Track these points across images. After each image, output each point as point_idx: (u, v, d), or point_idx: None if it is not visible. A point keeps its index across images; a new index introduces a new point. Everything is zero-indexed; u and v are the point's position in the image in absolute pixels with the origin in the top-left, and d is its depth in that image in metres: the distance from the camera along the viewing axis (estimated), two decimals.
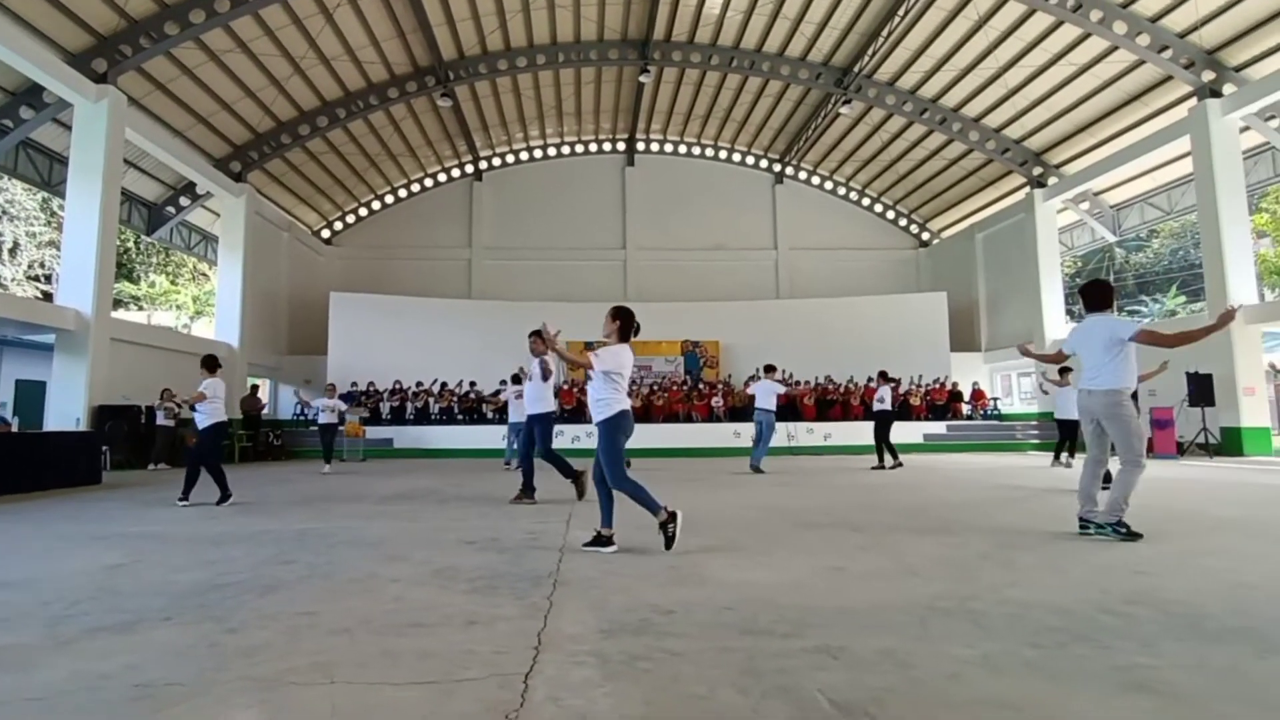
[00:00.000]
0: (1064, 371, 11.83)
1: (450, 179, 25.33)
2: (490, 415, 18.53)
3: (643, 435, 16.87)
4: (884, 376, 12.71)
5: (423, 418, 18.57)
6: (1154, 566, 3.87)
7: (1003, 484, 9.09)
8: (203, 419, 7.45)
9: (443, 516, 6.37)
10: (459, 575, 3.84)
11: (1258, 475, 10.13)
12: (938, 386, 20.67)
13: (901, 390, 19.81)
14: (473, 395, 18.97)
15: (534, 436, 7.42)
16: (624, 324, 4.69)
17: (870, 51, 18.49)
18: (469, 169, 25.27)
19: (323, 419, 12.67)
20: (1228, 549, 4.40)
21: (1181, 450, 15.07)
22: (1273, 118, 15.05)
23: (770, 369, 12.46)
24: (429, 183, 25.33)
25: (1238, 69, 14.65)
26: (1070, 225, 22.64)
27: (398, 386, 19.07)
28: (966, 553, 4.33)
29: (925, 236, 26.72)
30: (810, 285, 25.50)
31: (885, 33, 17.61)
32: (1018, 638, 2.64)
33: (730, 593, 3.37)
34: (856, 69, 19.39)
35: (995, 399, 22.22)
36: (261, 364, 20.34)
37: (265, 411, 19.59)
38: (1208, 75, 14.84)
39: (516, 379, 14.07)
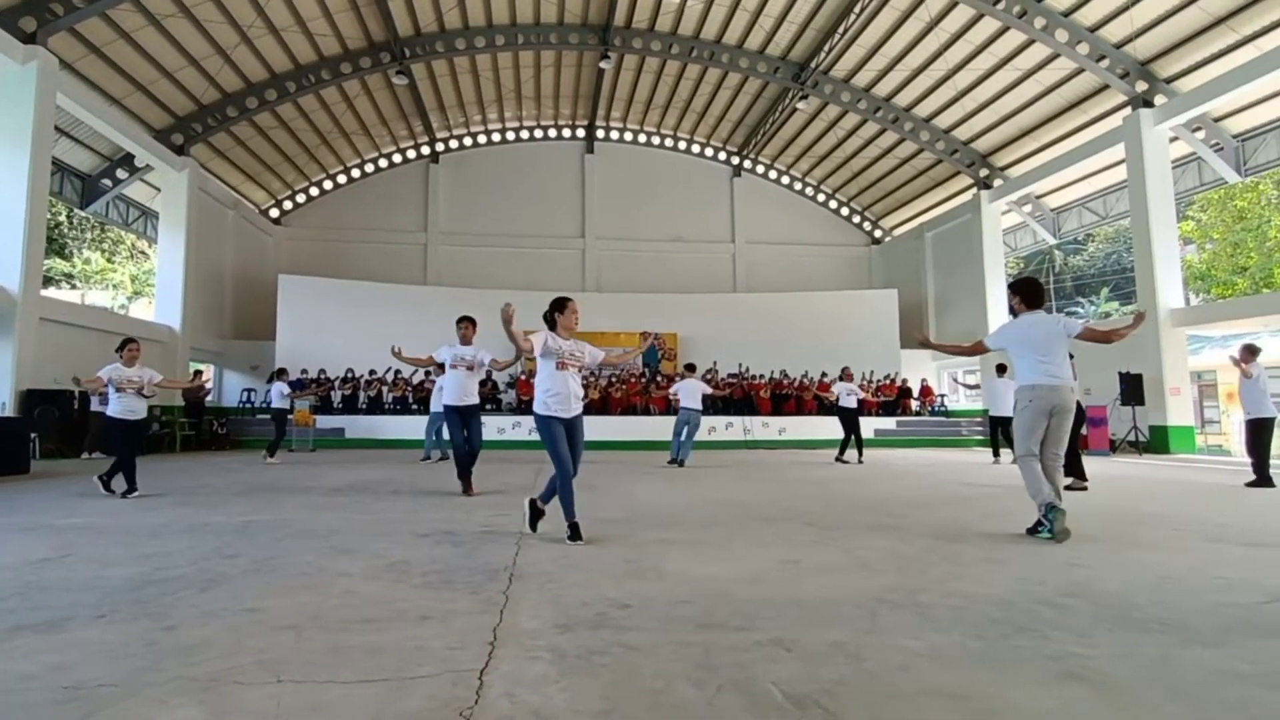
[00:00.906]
0: (1001, 369, 12.31)
1: (406, 160, 24.74)
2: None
3: (601, 428, 17.00)
4: (847, 375, 13.09)
5: (376, 407, 18.15)
6: (1089, 560, 4.04)
7: (950, 480, 9.36)
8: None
9: (396, 508, 6.24)
10: (412, 569, 3.77)
11: (1182, 472, 10.71)
12: (888, 382, 21.16)
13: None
14: (428, 385, 18.58)
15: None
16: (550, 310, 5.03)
17: (827, 48, 18.72)
18: (425, 150, 24.72)
19: (277, 403, 12.20)
20: (1156, 543, 4.62)
21: (1114, 447, 15.80)
22: (1199, 129, 15.83)
23: (691, 368, 12.85)
24: (383, 163, 24.69)
25: (1168, 80, 15.33)
26: (1014, 227, 23.44)
27: (350, 375, 18.59)
28: (914, 547, 4.44)
29: (877, 234, 27.27)
30: (766, 279, 25.78)
31: (841, 29, 17.86)
32: (962, 630, 2.72)
33: (687, 586, 3.39)
34: (814, 64, 19.62)
35: (942, 395, 22.89)
36: (204, 348, 19.58)
37: (210, 398, 18.90)
38: (1141, 85, 15.49)
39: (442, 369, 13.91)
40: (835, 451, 12.82)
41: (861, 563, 3.97)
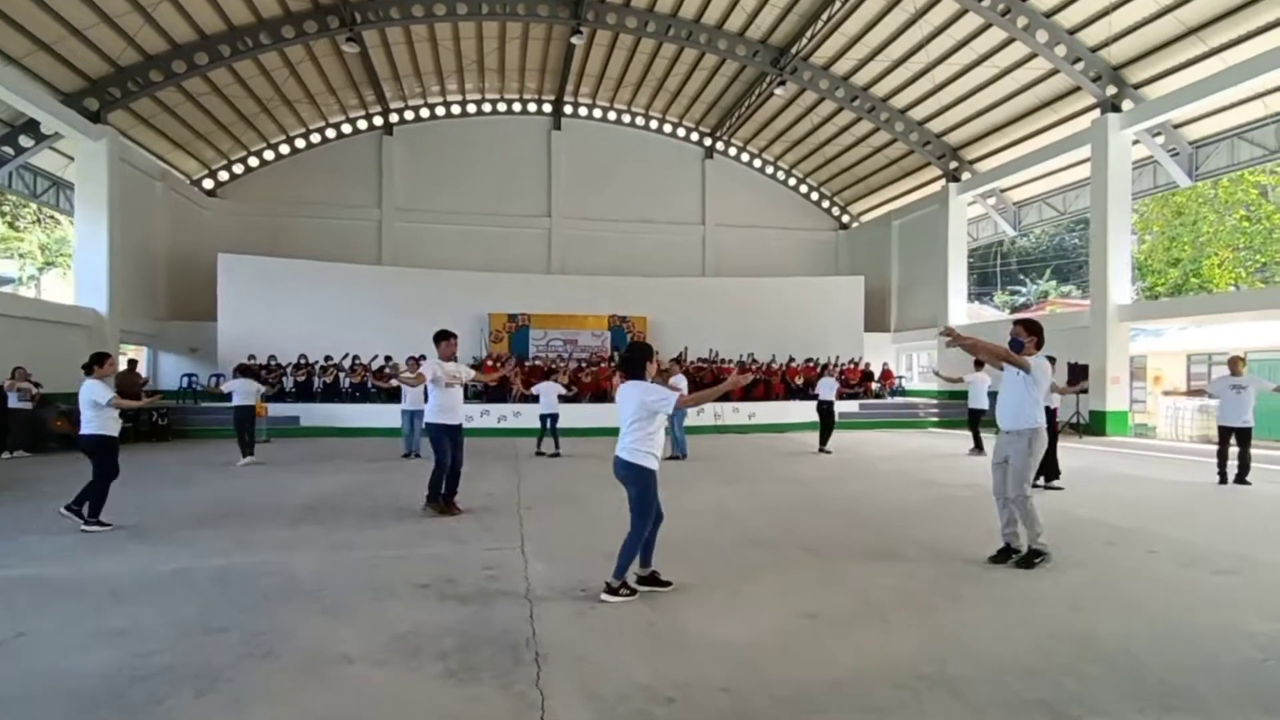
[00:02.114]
0: (979, 364, 12.71)
1: (356, 131, 23.29)
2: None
3: (571, 414, 16.60)
4: (830, 370, 13.32)
5: (332, 394, 17.20)
6: (1084, 599, 4.30)
7: (923, 480, 9.57)
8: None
9: (378, 540, 5.83)
10: (424, 645, 3.47)
11: (1127, 463, 11.48)
12: (851, 367, 21.47)
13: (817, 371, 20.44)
14: (387, 370, 17.76)
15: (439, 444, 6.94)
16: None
17: (809, 34, 18.41)
18: (378, 121, 23.32)
19: (238, 400, 11.22)
20: (1136, 570, 4.85)
21: (1059, 431, 16.51)
22: (1158, 134, 16.35)
23: (679, 361, 13.55)
24: (331, 134, 23.19)
25: (1136, 86, 15.68)
26: (976, 218, 23.90)
27: (303, 360, 17.55)
28: (918, 583, 4.60)
29: (845, 219, 27.43)
30: (734, 263, 25.62)
31: (826, 16, 17.55)
32: (1001, 713, 2.82)
33: (718, 663, 3.28)
34: (794, 50, 19.29)
35: (901, 378, 23.41)
36: (137, 330, 18.12)
37: (146, 386, 17.54)
38: (1111, 90, 15.80)
39: (417, 361, 13.45)
40: (803, 436, 13.13)
41: (876, 610, 4.06)
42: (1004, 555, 5.08)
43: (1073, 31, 15.26)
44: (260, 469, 10.59)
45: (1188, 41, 14.16)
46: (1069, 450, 12.62)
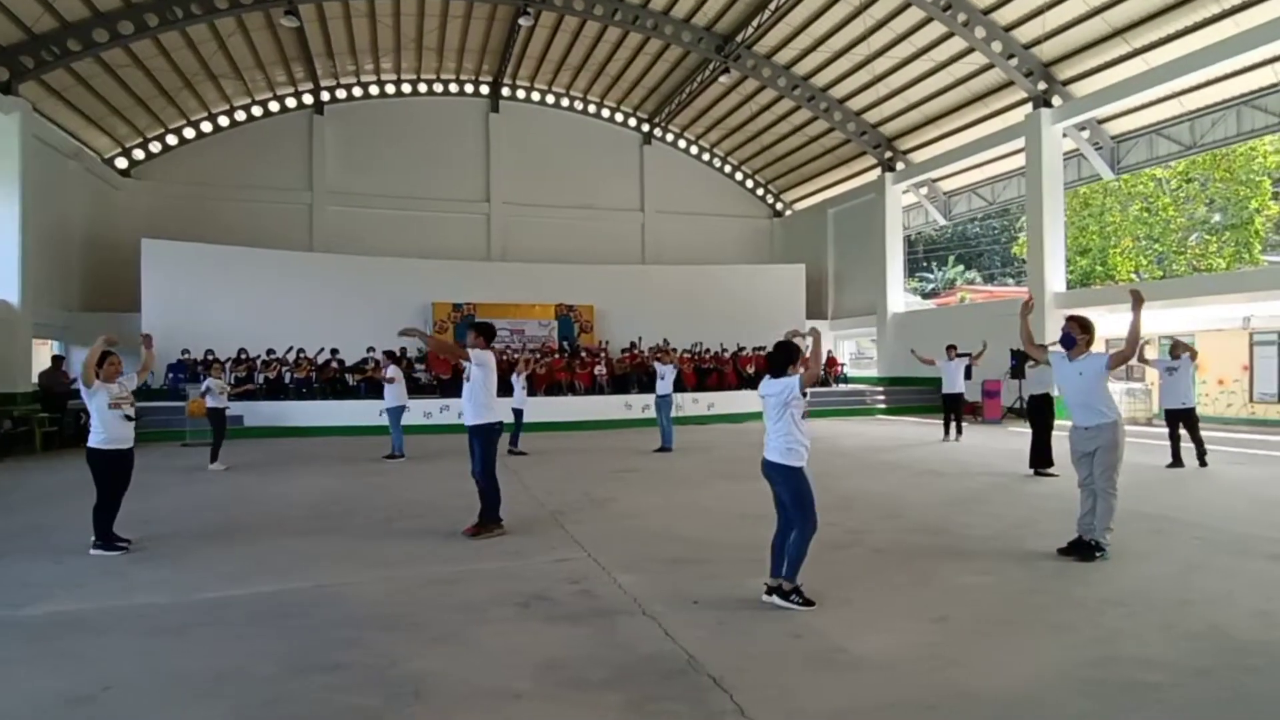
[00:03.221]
0: (951, 349, 13.25)
1: (285, 109, 22.02)
2: (356, 385, 16.75)
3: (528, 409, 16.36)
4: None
5: (276, 391, 16.31)
6: (1130, 601, 4.39)
7: (919, 469, 9.87)
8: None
9: (421, 555, 5.52)
10: (580, 673, 3.31)
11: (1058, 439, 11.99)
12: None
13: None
14: (334, 365, 16.98)
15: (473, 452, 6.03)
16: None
17: (756, 23, 18.58)
18: (308, 99, 22.12)
19: (212, 401, 10.58)
20: (1148, 553, 5.13)
21: (1003, 415, 17.46)
22: (1084, 129, 17.39)
23: (665, 352, 13.37)
24: (257, 111, 21.82)
25: (1064, 83, 16.62)
26: (909, 206, 24.80)
27: (243, 355, 16.56)
28: (1015, 584, 4.65)
29: (779, 207, 27.94)
30: (674, 250, 25.73)
31: (774, 6, 17.74)
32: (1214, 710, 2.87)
33: (902, 680, 3.24)
34: (739, 38, 19.44)
35: (843, 364, 24.16)
36: (50, 323, 16.67)
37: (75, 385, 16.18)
38: (1041, 86, 16.67)
39: (394, 356, 12.94)
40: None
41: (997, 613, 4.12)
42: (1075, 548, 5.12)
43: (1008, 29, 15.99)
44: (229, 474, 10.01)
45: (1113, 42, 15.08)
46: (1017, 435, 13.24)
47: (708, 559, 5.34)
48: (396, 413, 11.44)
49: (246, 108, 21.69)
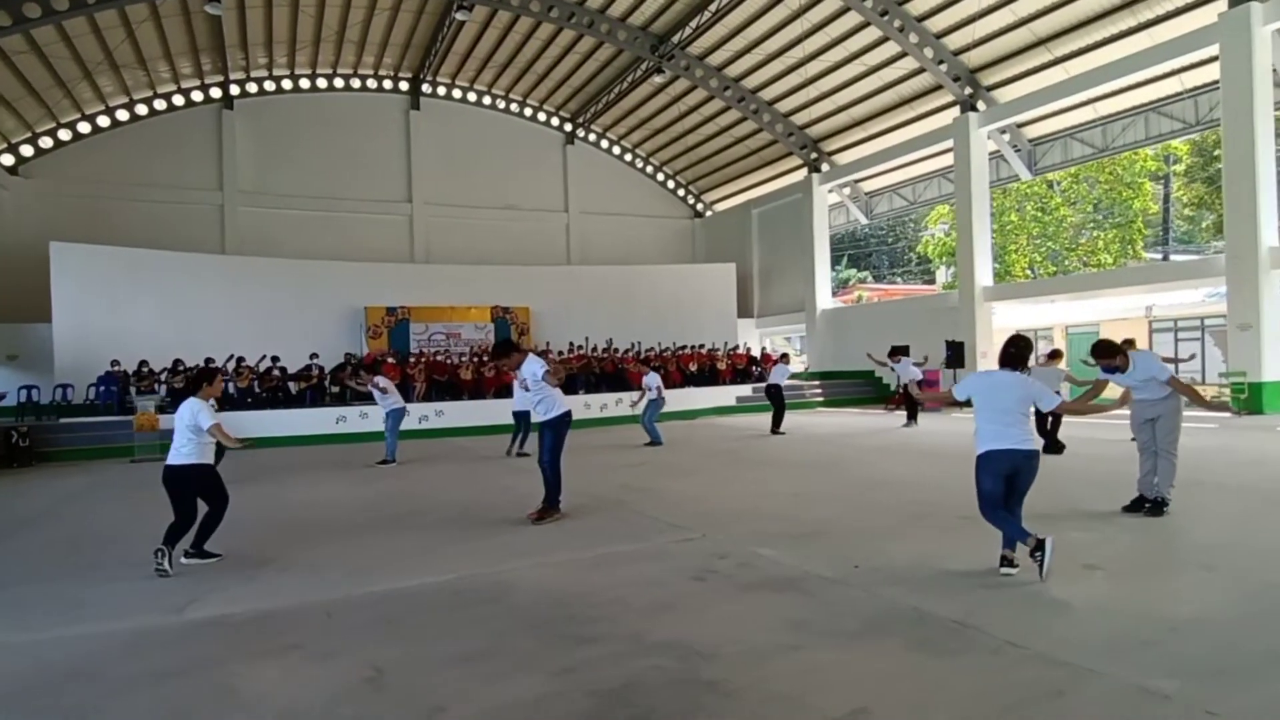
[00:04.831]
0: (895, 352, 13.96)
1: (190, 103, 20.15)
2: (296, 392, 15.51)
3: (481, 412, 15.72)
4: (785, 358, 14.07)
5: (223, 403, 14.81)
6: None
7: (920, 452, 10.08)
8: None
9: (538, 540, 5.40)
10: (829, 627, 3.34)
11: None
12: (739, 352, 22.28)
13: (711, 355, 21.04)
14: (276, 373, 15.62)
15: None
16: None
17: (694, 24, 18.71)
18: (215, 93, 20.33)
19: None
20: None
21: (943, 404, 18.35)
22: (1005, 132, 18.64)
23: (646, 360, 13.02)
24: (160, 105, 19.87)
25: (989, 89, 17.75)
26: (831, 206, 25.74)
27: (179, 366, 15.00)
28: (1111, 538, 4.90)
29: (699, 208, 28.31)
30: (599, 250, 25.56)
31: (714, 7, 17.91)
32: None
33: (1119, 619, 3.37)
34: (676, 39, 19.51)
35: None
36: None
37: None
38: (967, 91, 17.74)
39: (366, 367, 12.14)
40: (722, 420, 13.19)
41: (1124, 562, 4.36)
42: (1137, 505, 5.49)
43: (939, 35, 16.90)
44: (231, 487, 8.93)
45: (1037, 51, 16.25)
46: (961, 420, 13.96)
47: (821, 532, 5.38)
48: (396, 416, 10.76)
49: (149, 101, 19.75)
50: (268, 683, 3.03)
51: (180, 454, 5.10)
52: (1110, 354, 5.53)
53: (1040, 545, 3.96)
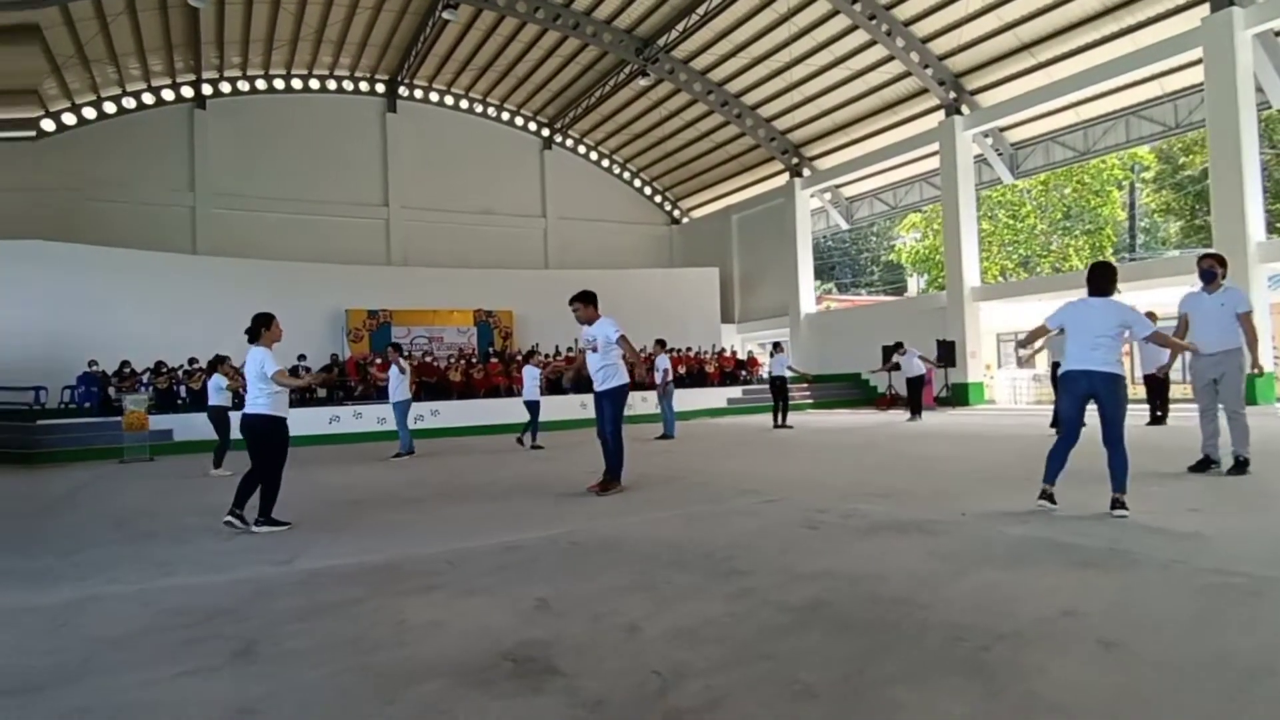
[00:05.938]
0: (897, 347, 14.06)
1: (161, 102, 19.39)
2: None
3: (467, 412, 15.29)
4: (779, 346, 14.32)
5: (199, 402, 14.09)
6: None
7: (951, 436, 10.05)
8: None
9: (609, 504, 5.25)
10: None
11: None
12: (727, 355, 22.20)
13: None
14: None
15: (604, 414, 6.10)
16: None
17: (681, 27, 18.72)
18: (187, 92, 19.64)
19: (215, 399, 9.30)
20: None
21: (936, 402, 18.50)
22: (988, 136, 19.01)
23: (661, 343, 13.45)
24: (130, 103, 19.08)
25: (973, 93, 18.10)
26: (812, 211, 25.93)
27: (162, 367, 14.27)
28: (1188, 492, 4.76)
29: (676, 215, 28.32)
30: (577, 256, 25.29)
31: (704, 10, 17.94)
32: None
33: (1251, 548, 3.25)
34: (662, 42, 19.51)
35: (764, 364, 24.66)
36: None
37: None
38: (951, 95, 18.05)
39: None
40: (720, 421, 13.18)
41: (1218, 509, 4.17)
42: (1203, 465, 5.45)
43: (925, 40, 17.20)
44: (190, 477, 8.71)
45: (1020, 56, 16.63)
46: (953, 416, 14.06)
47: (903, 492, 5.26)
48: (403, 408, 10.36)
49: (117, 99, 18.95)
50: (436, 611, 2.83)
51: (255, 404, 5.01)
52: (1223, 264, 5.50)
53: (1119, 504, 3.99)
